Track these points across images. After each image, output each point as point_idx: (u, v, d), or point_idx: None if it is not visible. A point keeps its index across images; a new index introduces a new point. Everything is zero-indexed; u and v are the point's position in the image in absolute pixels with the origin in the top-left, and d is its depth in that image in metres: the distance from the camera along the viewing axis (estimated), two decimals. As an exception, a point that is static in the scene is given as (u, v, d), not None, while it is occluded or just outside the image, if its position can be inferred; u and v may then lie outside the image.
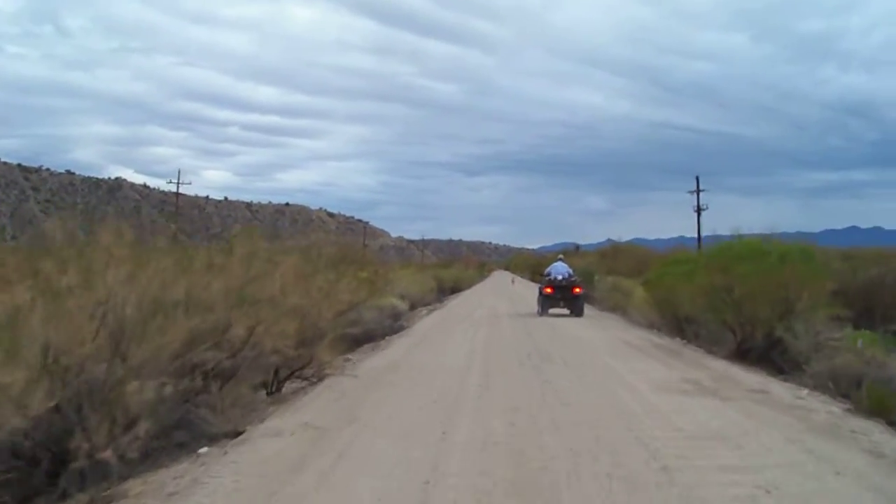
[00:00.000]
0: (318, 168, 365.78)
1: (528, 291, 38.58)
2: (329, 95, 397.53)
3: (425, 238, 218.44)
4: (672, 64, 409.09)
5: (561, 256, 31.10)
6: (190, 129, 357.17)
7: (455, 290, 51.77)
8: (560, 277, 26.42)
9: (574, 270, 28.64)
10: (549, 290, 25.96)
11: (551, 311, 25.80)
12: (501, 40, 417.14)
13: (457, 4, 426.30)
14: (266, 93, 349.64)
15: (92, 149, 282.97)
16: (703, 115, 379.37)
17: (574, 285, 26.34)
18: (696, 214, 61.77)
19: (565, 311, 26.06)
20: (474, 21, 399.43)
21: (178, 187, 63.61)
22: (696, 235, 59.87)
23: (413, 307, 34.16)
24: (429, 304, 36.82)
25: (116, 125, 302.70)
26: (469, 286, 62.06)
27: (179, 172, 63.93)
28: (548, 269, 27.66)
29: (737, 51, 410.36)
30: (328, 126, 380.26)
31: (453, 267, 76.21)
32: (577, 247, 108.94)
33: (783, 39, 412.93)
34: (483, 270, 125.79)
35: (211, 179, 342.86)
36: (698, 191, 62.63)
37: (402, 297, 35.68)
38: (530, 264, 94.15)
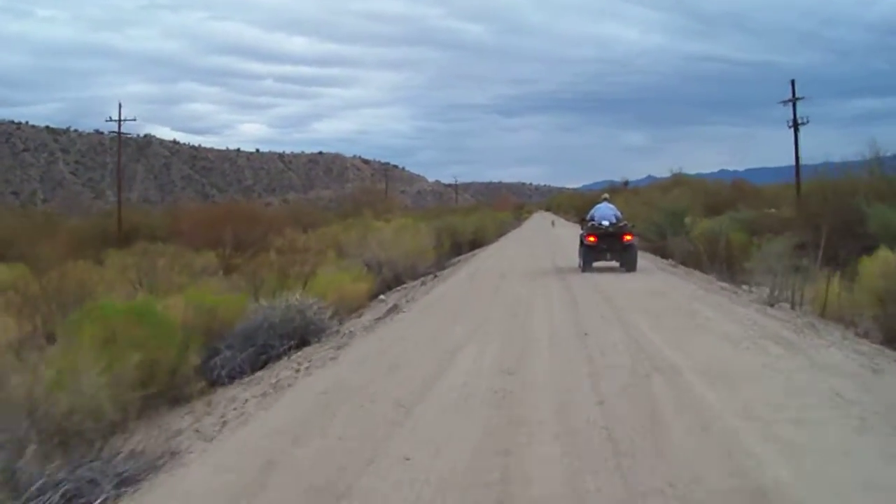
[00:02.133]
0: (354, 116, 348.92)
1: (573, 239, 24.30)
2: (360, 43, 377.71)
3: (465, 181, 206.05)
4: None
5: (606, 196, 23.81)
6: (224, 84, 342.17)
7: (476, 243, 36.28)
8: (605, 223, 20.55)
9: (625, 212, 22.60)
10: (591, 238, 20.29)
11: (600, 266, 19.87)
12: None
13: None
14: (298, 43, 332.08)
15: (127, 109, 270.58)
16: (739, 46, 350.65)
17: (624, 232, 20.45)
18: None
19: (613, 263, 20.10)
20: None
21: (119, 125, 48.44)
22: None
23: (385, 288, 19.99)
24: (421, 275, 21.93)
25: (150, 83, 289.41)
26: (498, 236, 45.22)
27: (120, 106, 48.88)
28: (589, 213, 21.52)
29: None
30: (361, 74, 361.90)
31: (477, 212, 60.03)
32: (626, 182, 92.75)
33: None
34: (521, 213, 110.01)
35: (247, 133, 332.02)
36: (794, 100, 45.96)
37: (375, 269, 21.12)
38: (575, 204, 77.79)
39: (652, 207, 30.43)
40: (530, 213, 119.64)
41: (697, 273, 19.67)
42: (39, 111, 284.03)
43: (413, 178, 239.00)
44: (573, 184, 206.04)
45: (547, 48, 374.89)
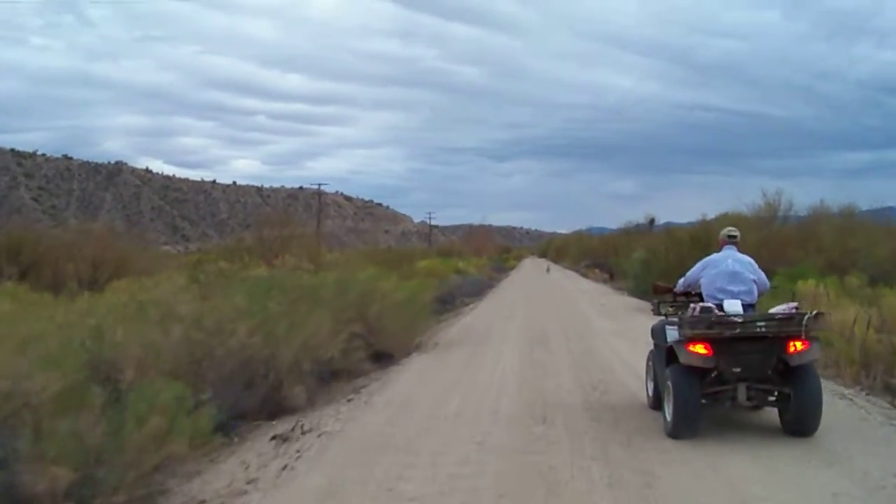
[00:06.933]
0: (347, 156, 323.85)
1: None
2: (355, 82, 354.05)
3: (454, 224, 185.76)
4: (701, 44, 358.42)
5: (732, 234, 6.11)
6: (217, 119, 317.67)
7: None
8: (736, 305, 5.07)
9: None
10: (701, 348, 4.64)
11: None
12: (526, 22, 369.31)
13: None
14: (292, 80, 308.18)
15: (120, 140, 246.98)
16: (733, 96, 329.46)
17: (794, 332, 4.56)
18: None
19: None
20: (498, 2, 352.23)
21: None
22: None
23: None
24: None
25: (143, 115, 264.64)
26: (399, 353, 11.80)
27: None
28: (687, 276, 5.96)
29: (768, 28, 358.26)
30: (355, 113, 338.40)
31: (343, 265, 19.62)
32: (652, 222, 66.62)
33: (816, 16, 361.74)
34: (507, 259, 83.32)
35: (240, 169, 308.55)
36: None
37: None
38: (591, 247, 49.87)
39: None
40: (519, 259, 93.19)
41: None
42: (31, 138, 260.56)
43: (398, 218, 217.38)
44: (563, 229, 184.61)
45: (541, 94, 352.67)
